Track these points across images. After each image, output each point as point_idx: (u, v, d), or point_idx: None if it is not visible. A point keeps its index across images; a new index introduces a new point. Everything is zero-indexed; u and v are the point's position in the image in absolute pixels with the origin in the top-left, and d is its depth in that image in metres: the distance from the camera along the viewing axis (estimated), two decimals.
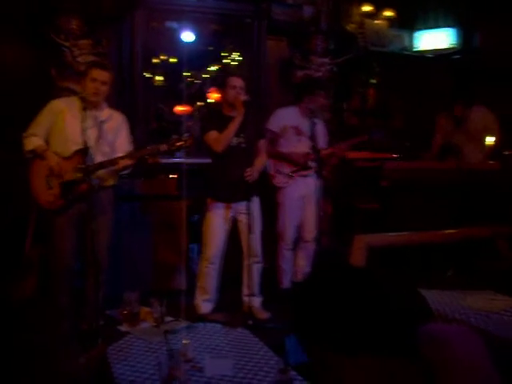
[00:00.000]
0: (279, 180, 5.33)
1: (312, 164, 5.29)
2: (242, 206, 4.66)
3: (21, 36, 5.53)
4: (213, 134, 4.63)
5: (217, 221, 4.74)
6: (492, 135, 5.77)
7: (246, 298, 4.74)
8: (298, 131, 5.33)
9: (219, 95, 6.47)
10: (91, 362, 3.18)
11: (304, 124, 5.32)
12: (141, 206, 5.31)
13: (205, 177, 4.84)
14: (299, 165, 5.30)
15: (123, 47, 5.91)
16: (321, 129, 5.39)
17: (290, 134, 5.32)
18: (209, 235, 4.76)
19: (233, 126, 4.54)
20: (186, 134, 4.36)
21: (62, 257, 4.36)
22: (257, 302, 4.81)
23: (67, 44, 5.38)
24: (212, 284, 4.78)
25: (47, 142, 4.35)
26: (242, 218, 4.71)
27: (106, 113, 4.43)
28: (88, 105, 4.24)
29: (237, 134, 4.61)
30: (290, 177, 5.30)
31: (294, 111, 5.40)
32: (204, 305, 4.75)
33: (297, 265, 5.43)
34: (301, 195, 5.34)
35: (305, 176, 5.33)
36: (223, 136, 4.57)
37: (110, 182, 4.50)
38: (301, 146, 5.31)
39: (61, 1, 5.38)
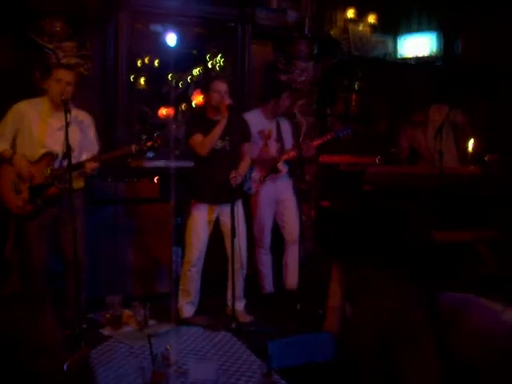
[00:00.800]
0: (248, 187, 5.34)
1: (281, 166, 5.32)
2: (226, 209, 4.68)
3: (4, 38, 5.49)
4: (197, 138, 4.65)
5: (200, 223, 4.75)
6: (463, 141, 5.85)
7: (230, 303, 4.75)
8: (264, 135, 5.35)
9: (203, 99, 6.48)
10: (74, 365, 3.16)
11: (270, 127, 5.36)
12: (124, 209, 5.29)
13: (189, 179, 4.85)
14: (268, 171, 5.32)
15: (107, 49, 5.88)
16: (287, 129, 5.42)
17: (256, 139, 5.34)
18: (191, 238, 4.77)
19: (217, 130, 4.55)
20: (156, 134, 4.34)
21: (36, 260, 4.33)
22: (240, 305, 4.81)
23: (51, 46, 5.34)
24: (194, 287, 4.79)
25: (14, 145, 4.31)
26: (226, 221, 4.72)
27: (73, 113, 4.32)
28: (55, 106, 4.24)
29: (221, 138, 4.62)
30: (262, 182, 5.31)
31: (259, 115, 5.42)
32: (187, 307, 4.76)
33: (286, 269, 5.44)
34: (272, 199, 5.37)
35: (275, 180, 5.34)
36: (207, 139, 4.58)
37: (79, 185, 4.43)
38: (269, 150, 5.34)
39: (44, 3, 5.34)
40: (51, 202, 4.20)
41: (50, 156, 4.19)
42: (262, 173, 5.32)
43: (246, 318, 4.75)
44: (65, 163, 4.18)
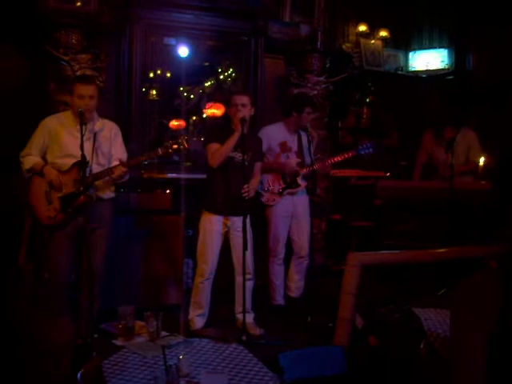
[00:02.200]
0: (267, 198, 5.36)
1: (301, 182, 5.34)
2: (238, 222, 4.70)
3: (20, 49, 5.56)
4: (213, 146, 4.69)
5: (213, 235, 4.76)
6: (473, 157, 5.88)
7: (239, 315, 4.76)
8: (285, 147, 5.38)
9: (216, 111, 6.55)
10: (87, 375, 3.19)
11: (291, 140, 5.39)
12: (136, 220, 5.32)
13: (203, 190, 4.87)
14: (287, 183, 5.34)
15: (121, 62, 5.96)
16: (307, 143, 5.41)
17: (276, 151, 5.38)
18: (204, 250, 4.77)
19: (230, 142, 4.59)
20: (181, 137, 4.38)
21: (59, 270, 4.39)
22: (249, 318, 4.82)
23: (66, 58, 5.41)
24: (206, 299, 4.81)
25: (45, 160, 4.40)
26: (236, 234, 4.74)
27: (99, 124, 4.47)
28: (78, 119, 4.27)
29: (242, 151, 4.64)
30: (279, 195, 5.34)
31: (281, 127, 5.45)
32: (198, 319, 4.77)
33: (290, 280, 5.47)
34: (289, 213, 5.38)
35: (293, 194, 5.37)
36: (220, 151, 4.62)
37: (109, 195, 4.54)
38: (289, 163, 5.37)
39: (60, 15, 5.42)
40: (80, 211, 4.25)
41: (79, 165, 4.24)
42: (280, 185, 5.34)
43: (256, 331, 4.75)
44: (94, 171, 4.29)
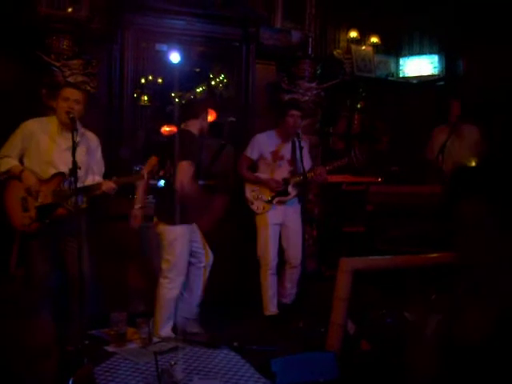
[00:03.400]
0: (257, 206, 5.36)
1: (291, 190, 5.33)
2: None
3: (11, 55, 5.55)
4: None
5: (186, 245, 4.73)
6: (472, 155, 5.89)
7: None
8: (277, 156, 5.37)
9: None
10: (79, 381, 3.18)
11: (284, 148, 5.37)
12: (127, 227, 5.30)
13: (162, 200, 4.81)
14: (277, 191, 5.33)
15: (113, 68, 5.95)
16: (304, 151, 5.34)
17: (268, 160, 5.37)
18: (182, 262, 4.73)
19: None
20: (168, 162, 4.36)
21: (38, 277, 4.32)
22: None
23: (58, 64, 5.39)
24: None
25: (21, 163, 4.30)
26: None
27: (80, 133, 4.35)
28: (63, 126, 4.25)
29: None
30: (269, 203, 5.33)
31: (273, 135, 5.44)
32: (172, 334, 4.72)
33: (282, 287, 5.45)
34: (279, 221, 5.37)
35: (283, 202, 5.36)
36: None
37: (85, 205, 4.43)
38: (280, 171, 5.36)
39: (52, 21, 5.41)
40: (57, 221, 4.21)
41: (60, 176, 4.19)
42: (270, 193, 5.33)
43: (194, 328, 4.73)
44: (74, 184, 4.18)
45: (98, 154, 4.57)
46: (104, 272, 4.92)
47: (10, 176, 4.26)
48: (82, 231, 4.32)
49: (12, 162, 4.26)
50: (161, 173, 4.29)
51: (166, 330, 4.63)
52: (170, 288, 4.63)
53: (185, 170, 4.47)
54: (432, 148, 6.19)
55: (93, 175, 4.40)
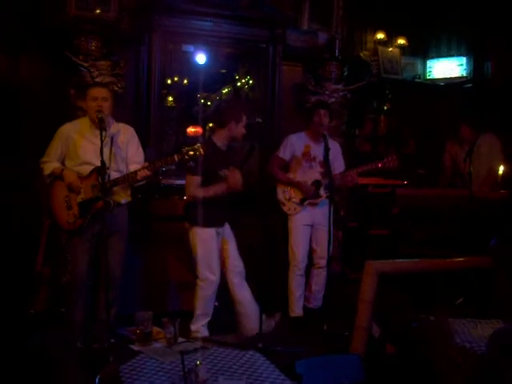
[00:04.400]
0: (288, 207, 5.36)
1: (322, 192, 5.31)
2: (227, 228, 4.82)
3: (40, 56, 5.62)
4: (195, 179, 4.67)
5: (212, 245, 4.73)
6: (495, 163, 5.84)
7: None
8: (308, 157, 5.36)
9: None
10: (105, 379, 3.20)
11: (316, 149, 5.35)
12: (153, 226, 5.35)
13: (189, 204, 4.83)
14: (308, 195, 5.32)
15: (140, 69, 5.99)
16: (335, 153, 5.35)
17: (300, 161, 5.37)
18: (208, 260, 4.74)
19: (210, 191, 4.63)
20: (197, 144, 4.38)
21: (77, 274, 4.43)
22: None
23: (86, 65, 5.45)
24: (211, 307, 4.80)
25: (64, 166, 4.45)
26: (229, 239, 4.85)
27: (114, 128, 4.49)
28: (95, 124, 4.32)
29: (226, 167, 4.67)
30: (300, 205, 5.33)
31: (303, 137, 5.44)
32: (203, 329, 4.76)
33: (310, 291, 5.44)
34: (310, 223, 5.37)
35: (315, 204, 5.35)
36: (196, 193, 4.65)
37: (126, 199, 4.56)
38: (312, 172, 5.34)
39: (80, 22, 5.47)
40: (97, 216, 4.28)
41: (98, 170, 4.26)
42: (302, 195, 5.33)
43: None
44: (112, 176, 4.31)
45: (135, 144, 4.65)
46: (130, 270, 4.97)
47: (55, 177, 4.41)
48: (122, 227, 4.48)
49: (54, 165, 4.42)
50: (191, 153, 4.29)
51: (196, 326, 4.71)
52: (200, 286, 4.71)
53: (189, 183, 4.70)
54: (448, 157, 6.23)
55: (135, 166, 4.45)
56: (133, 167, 4.45)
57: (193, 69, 6.73)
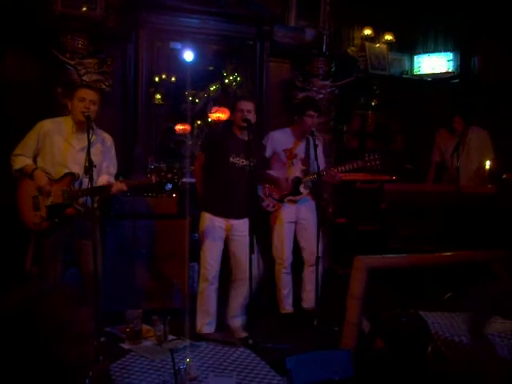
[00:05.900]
0: (267, 204, 5.33)
1: (303, 189, 5.28)
2: (238, 225, 4.70)
3: (27, 53, 5.60)
4: (200, 156, 4.82)
5: (214, 237, 4.72)
6: (486, 158, 5.88)
7: (229, 321, 4.79)
8: (290, 154, 5.34)
9: (221, 115, 6.54)
10: (95, 378, 3.19)
11: (298, 146, 5.34)
12: (142, 224, 5.33)
13: (202, 192, 4.84)
14: (287, 191, 5.29)
15: (127, 66, 5.98)
16: (318, 150, 5.31)
17: (282, 158, 5.34)
18: (207, 255, 4.74)
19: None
20: (176, 166, 4.33)
21: (51, 275, 4.33)
22: (237, 322, 4.80)
23: (73, 62, 5.43)
24: (213, 305, 4.77)
25: (35, 162, 4.31)
26: (237, 238, 4.73)
27: (95, 134, 4.31)
28: (77, 126, 4.25)
29: (240, 155, 4.64)
30: (280, 201, 5.30)
31: (288, 133, 5.40)
32: (206, 328, 4.74)
33: (304, 291, 5.41)
34: (293, 219, 5.34)
35: (295, 201, 5.34)
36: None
37: (96, 205, 4.39)
38: (294, 170, 5.31)
39: (66, 19, 5.45)
40: (67, 220, 4.23)
41: (71, 176, 4.19)
42: (282, 192, 5.28)
43: (240, 334, 4.72)
44: (84, 184, 4.21)
45: (112, 153, 4.56)
46: (118, 268, 4.95)
47: (23, 174, 4.28)
48: (95, 229, 4.35)
49: (26, 161, 4.27)
50: (169, 176, 4.27)
51: (199, 323, 4.73)
52: (200, 281, 4.77)
53: (196, 159, 4.89)
54: (437, 152, 6.27)
55: (106, 176, 4.39)
56: (104, 178, 4.35)
57: (180, 66, 6.70)
